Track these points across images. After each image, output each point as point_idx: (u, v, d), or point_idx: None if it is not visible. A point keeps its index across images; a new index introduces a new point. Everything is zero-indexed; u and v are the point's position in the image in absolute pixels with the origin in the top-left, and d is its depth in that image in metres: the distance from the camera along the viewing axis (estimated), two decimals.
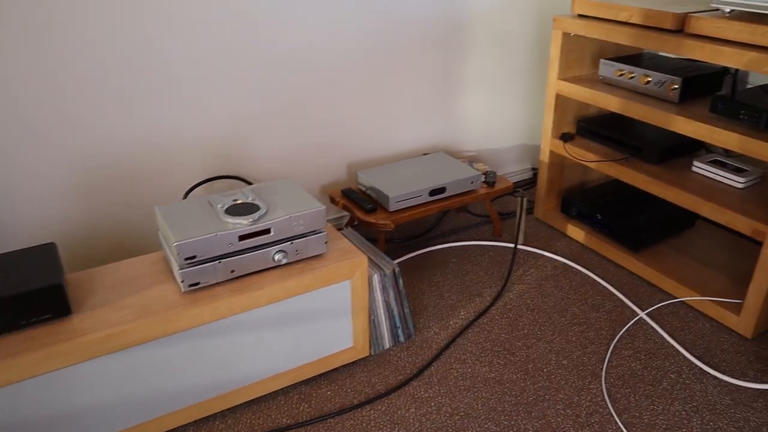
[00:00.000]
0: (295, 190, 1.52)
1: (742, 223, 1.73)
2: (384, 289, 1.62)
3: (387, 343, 1.71)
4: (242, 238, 1.35)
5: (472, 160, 2.37)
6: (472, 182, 2.09)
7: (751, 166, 1.95)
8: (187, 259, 1.31)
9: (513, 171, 2.73)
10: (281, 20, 1.92)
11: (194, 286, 1.35)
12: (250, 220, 1.36)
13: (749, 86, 2.11)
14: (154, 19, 1.72)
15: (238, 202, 1.44)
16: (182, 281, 1.33)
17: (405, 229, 2.35)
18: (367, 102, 2.20)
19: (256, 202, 1.43)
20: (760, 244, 2.17)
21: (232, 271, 1.38)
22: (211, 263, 1.34)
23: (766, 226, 1.67)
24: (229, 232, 1.34)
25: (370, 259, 1.66)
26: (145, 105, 1.81)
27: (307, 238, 1.44)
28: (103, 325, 1.27)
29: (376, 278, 1.60)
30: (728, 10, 1.72)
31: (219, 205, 1.42)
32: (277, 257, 1.41)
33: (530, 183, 2.75)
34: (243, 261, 1.38)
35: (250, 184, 2.06)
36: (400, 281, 1.64)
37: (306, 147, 2.15)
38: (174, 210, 1.43)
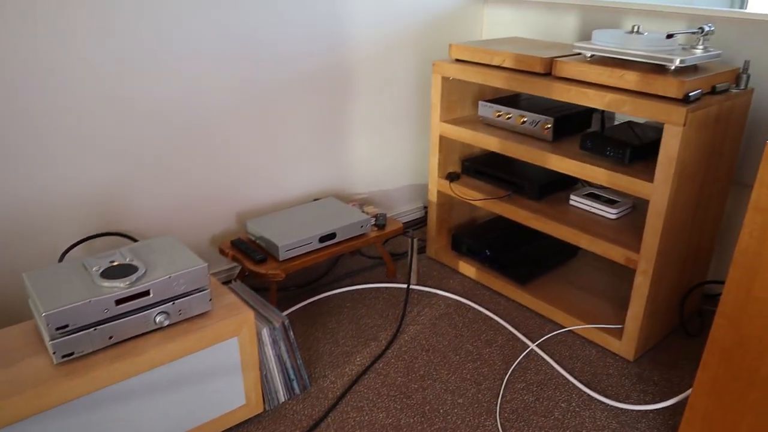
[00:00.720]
0: (176, 247, 1.47)
1: (616, 253, 1.83)
2: (274, 342, 1.59)
3: (282, 396, 1.67)
4: (119, 302, 1.29)
5: (362, 203, 2.38)
6: (361, 226, 2.10)
7: (622, 197, 2.08)
8: (58, 328, 1.23)
9: (405, 210, 2.77)
10: (158, 70, 1.88)
11: (68, 357, 1.27)
12: (127, 282, 1.30)
13: (617, 122, 2.25)
14: (23, 71, 1.64)
15: (115, 263, 1.37)
16: (54, 352, 1.25)
17: (299, 276, 2.33)
18: (253, 150, 2.18)
19: (134, 262, 1.38)
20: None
21: (110, 337, 1.31)
22: (86, 331, 1.27)
23: (638, 255, 1.78)
24: (104, 297, 1.27)
25: (258, 313, 1.63)
26: (11, 162, 1.71)
27: (190, 297, 1.39)
28: None
29: (265, 332, 1.56)
30: (589, 55, 1.83)
31: (94, 268, 1.36)
32: (158, 319, 1.35)
33: (422, 221, 2.80)
34: (121, 326, 1.31)
35: (134, 240, 1.98)
36: (291, 333, 1.62)
37: (192, 198, 2.09)
38: (44, 275, 1.35)
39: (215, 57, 1.99)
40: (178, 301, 1.38)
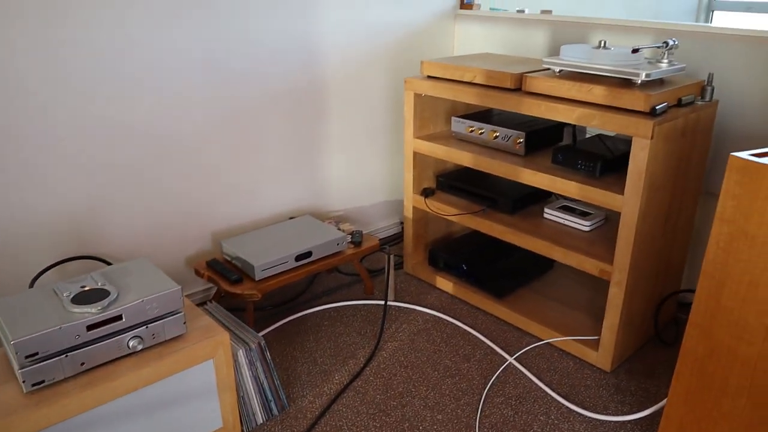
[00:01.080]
0: (149, 270, 1.46)
1: (590, 265, 1.85)
2: (251, 363, 1.58)
3: (260, 418, 1.65)
4: (91, 327, 1.27)
5: (339, 220, 2.38)
6: (338, 244, 2.10)
7: (595, 209, 2.10)
8: (27, 356, 1.22)
9: (381, 227, 2.78)
10: (130, 89, 1.87)
11: (38, 385, 1.25)
12: (99, 307, 1.29)
13: (588, 135, 2.28)
14: None
15: (86, 288, 1.36)
16: (24, 381, 1.23)
17: (276, 295, 2.32)
18: (228, 169, 2.17)
19: (106, 287, 1.36)
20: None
21: (82, 364, 1.29)
22: (57, 358, 1.25)
23: (611, 266, 1.79)
24: (75, 323, 1.25)
25: (234, 334, 1.62)
26: None
27: (164, 320, 1.38)
28: None
29: (241, 354, 1.55)
30: (558, 70, 1.86)
31: (65, 294, 1.34)
32: (131, 344, 1.34)
33: (399, 237, 2.81)
34: (93, 352, 1.29)
35: (108, 263, 1.96)
36: (267, 353, 1.61)
37: (167, 219, 2.08)
38: (14, 302, 1.33)
39: (189, 76, 1.98)
40: (152, 324, 1.36)
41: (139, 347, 1.35)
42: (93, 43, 1.77)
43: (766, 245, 1.16)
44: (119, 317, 1.31)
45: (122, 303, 1.32)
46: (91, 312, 1.28)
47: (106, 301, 1.31)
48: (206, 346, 1.43)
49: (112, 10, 1.77)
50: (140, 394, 1.36)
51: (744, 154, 1.17)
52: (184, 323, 1.42)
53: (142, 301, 1.33)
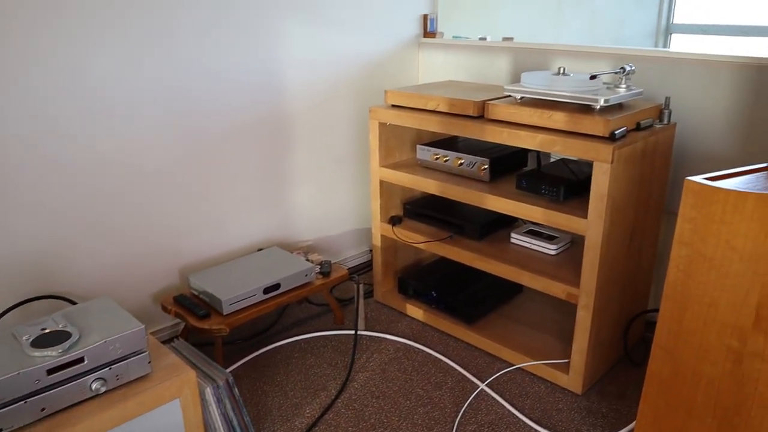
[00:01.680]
0: (112, 310, 1.43)
1: (557, 289, 1.86)
2: (219, 401, 1.55)
3: None
4: (52, 371, 1.24)
5: (307, 251, 2.37)
6: (306, 275, 2.09)
7: (561, 232, 2.12)
8: None
9: (351, 255, 2.77)
10: (91, 124, 1.86)
11: None
12: (60, 350, 1.26)
13: (553, 159, 2.32)
14: None
15: (47, 330, 1.33)
16: None
17: (246, 328, 2.29)
18: (194, 202, 2.16)
19: (68, 328, 1.33)
20: None
21: (43, 409, 1.26)
22: (16, 405, 1.22)
23: (578, 289, 1.81)
24: (35, 368, 1.22)
25: (201, 372, 1.59)
26: None
27: (128, 360, 1.35)
28: None
29: (209, 391, 1.53)
30: (519, 97, 1.89)
31: (24, 337, 1.31)
32: (94, 386, 1.31)
33: (369, 265, 2.80)
34: (54, 396, 1.26)
35: (72, 302, 1.92)
36: (236, 390, 1.58)
37: (132, 254, 2.05)
38: None
39: (153, 110, 1.97)
40: (115, 366, 1.34)
41: (103, 389, 1.32)
42: (55, 79, 1.75)
43: (723, 267, 1.18)
44: (81, 359, 1.28)
45: (84, 344, 1.30)
46: (52, 355, 1.25)
47: (67, 344, 1.28)
48: (172, 386, 1.40)
49: (72, 44, 1.76)
50: None
51: (698, 178, 1.20)
52: (149, 363, 1.39)
53: (105, 341, 1.31)
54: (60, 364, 1.25)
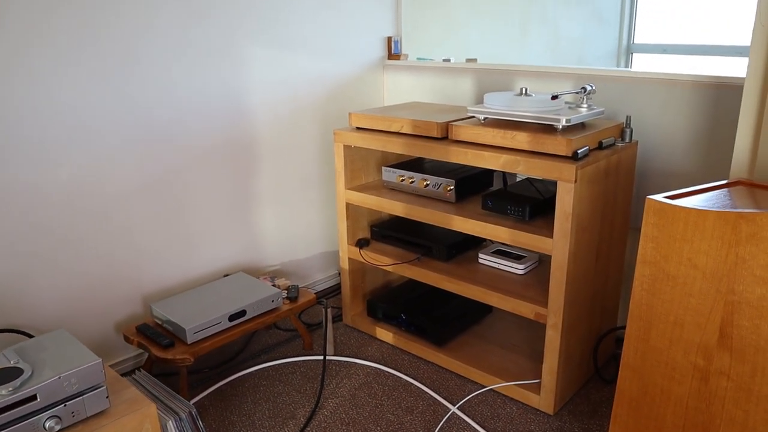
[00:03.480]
0: (67, 343, 1.39)
1: (526, 309, 1.85)
2: None
3: None
4: (2, 411, 1.19)
5: (274, 275, 2.34)
6: (273, 300, 2.05)
7: (529, 252, 2.12)
8: None
9: (319, 279, 2.74)
10: (43, 150, 1.81)
11: None
12: (10, 388, 1.21)
13: (519, 179, 2.32)
14: None
15: None
16: None
17: (213, 357, 2.24)
18: (155, 229, 2.11)
19: (20, 364, 1.28)
20: None
21: None
22: None
23: (546, 309, 1.80)
24: None
25: (163, 404, 1.55)
26: None
27: (84, 396, 1.30)
28: None
29: (171, 425, 1.48)
30: (482, 118, 1.89)
31: None
32: (48, 425, 1.26)
33: (338, 289, 2.77)
34: None
35: (29, 335, 1.86)
36: (200, 422, 1.54)
37: (93, 283, 2.00)
38: None
39: (113, 133, 1.93)
40: (71, 402, 1.29)
41: (57, 428, 1.27)
42: (10, 101, 1.71)
43: (686, 285, 1.18)
44: (33, 397, 1.23)
45: (37, 381, 1.25)
46: (2, 394, 1.20)
47: (18, 381, 1.23)
48: (131, 420, 1.36)
49: (30, 65, 1.72)
50: None
51: (659, 197, 1.20)
52: (107, 397, 1.35)
53: (59, 377, 1.26)
54: (11, 402, 1.20)
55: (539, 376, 1.99)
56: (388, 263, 2.18)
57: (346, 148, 2.21)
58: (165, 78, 2.02)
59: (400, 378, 2.08)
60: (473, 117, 2.00)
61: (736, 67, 3.83)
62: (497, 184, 2.26)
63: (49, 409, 1.26)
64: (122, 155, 1.97)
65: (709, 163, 1.93)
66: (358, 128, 2.19)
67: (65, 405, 1.28)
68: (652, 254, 1.21)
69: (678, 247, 1.17)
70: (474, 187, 2.13)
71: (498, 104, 1.86)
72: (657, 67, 4.19)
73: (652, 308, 1.24)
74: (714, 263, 1.14)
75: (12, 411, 1.21)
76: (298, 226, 2.58)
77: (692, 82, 1.90)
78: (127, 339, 1.96)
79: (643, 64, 4.33)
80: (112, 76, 1.90)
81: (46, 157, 1.81)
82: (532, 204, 1.86)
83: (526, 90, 1.88)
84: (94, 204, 1.94)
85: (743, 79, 1.82)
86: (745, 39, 3.85)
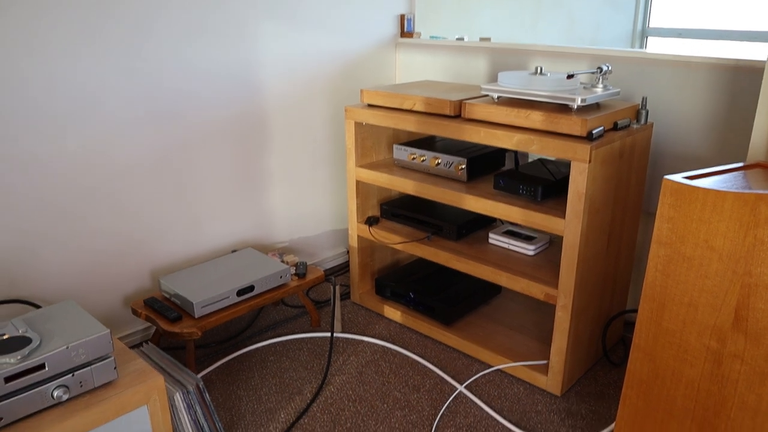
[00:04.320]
0: (76, 314, 1.38)
1: (535, 289, 1.84)
2: (189, 407, 1.51)
3: None
4: (10, 379, 1.19)
5: (283, 252, 2.33)
6: (281, 277, 2.05)
7: (539, 233, 2.10)
8: None
9: (328, 257, 2.73)
10: (56, 123, 1.80)
11: None
12: (18, 357, 1.21)
13: (530, 160, 2.30)
14: None
15: (6, 336, 1.27)
16: None
17: (220, 331, 2.24)
18: (166, 203, 2.10)
19: (28, 334, 1.28)
20: None
21: (0, 419, 1.20)
22: None
23: (557, 290, 1.79)
24: None
25: (170, 377, 1.55)
26: None
27: (92, 366, 1.30)
28: None
29: (178, 397, 1.48)
30: (496, 97, 1.87)
31: None
32: (56, 394, 1.26)
33: (346, 267, 2.77)
34: (13, 405, 1.21)
35: (37, 306, 1.86)
36: (207, 395, 1.54)
37: (102, 257, 1.99)
38: None
39: (120, 109, 1.92)
40: (78, 372, 1.29)
41: (65, 397, 1.27)
42: (21, 73, 1.69)
43: (702, 267, 1.16)
44: (42, 366, 1.23)
45: (45, 351, 1.24)
46: (10, 363, 1.20)
47: (26, 350, 1.23)
48: (139, 392, 1.36)
49: (43, 38, 1.70)
50: None
51: (677, 177, 1.18)
52: (115, 368, 1.35)
53: (67, 347, 1.26)
54: (19, 371, 1.20)
55: (547, 358, 1.98)
56: (398, 241, 2.17)
57: (357, 125, 2.18)
58: (176, 54, 2.00)
59: (408, 356, 2.08)
60: (487, 96, 1.98)
61: (752, 53, 3.77)
62: (509, 165, 2.23)
63: (57, 379, 1.26)
64: (132, 130, 1.96)
65: (725, 147, 1.90)
66: (369, 105, 2.16)
67: (73, 375, 1.28)
68: (667, 235, 1.20)
69: (695, 228, 1.16)
70: (486, 166, 2.10)
71: (512, 83, 1.84)
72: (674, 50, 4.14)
73: (666, 290, 1.22)
74: (731, 245, 1.12)
75: (20, 379, 1.21)
76: (307, 203, 2.57)
77: (710, 64, 1.87)
78: (135, 312, 1.96)
79: (658, 48, 4.27)
80: (124, 51, 1.88)
81: (56, 130, 1.80)
82: (544, 184, 1.84)
83: (541, 69, 1.85)
84: (103, 178, 1.94)
85: (763, 61, 1.78)
86: (762, 24, 3.78)
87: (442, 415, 1.80)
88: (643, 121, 1.84)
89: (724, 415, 1.21)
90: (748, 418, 1.17)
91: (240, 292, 1.95)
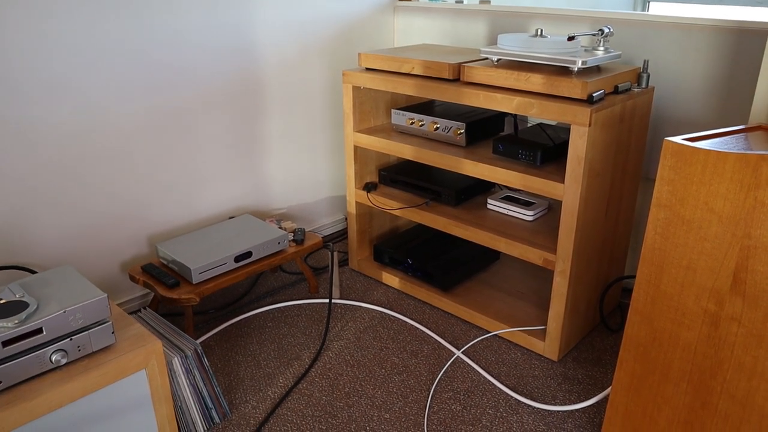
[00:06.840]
0: (73, 279, 1.38)
1: (533, 255, 1.83)
2: (188, 371, 1.51)
3: (200, 427, 1.59)
4: (7, 343, 1.19)
5: (280, 219, 2.32)
6: (279, 243, 2.04)
7: (538, 198, 2.09)
8: None
9: (326, 223, 2.72)
10: (50, 88, 1.78)
11: None
12: (16, 321, 1.20)
13: (529, 125, 2.28)
14: None
15: (3, 301, 1.27)
16: None
17: (218, 297, 2.24)
18: (162, 169, 2.09)
19: (25, 298, 1.28)
20: None
21: (0, 383, 1.21)
22: None
23: (555, 255, 1.79)
24: None
25: (168, 342, 1.55)
26: None
27: (90, 331, 1.30)
28: None
29: (176, 362, 1.48)
30: (495, 59, 1.84)
31: None
32: (54, 358, 1.26)
33: (344, 233, 2.76)
34: (11, 369, 1.21)
35: (33, 272, 1.86)
36: (205, 360, 1.54)
37: (99, 223, 1.98)
38: None
39: (115, 73, 1.89)
40: (76, 336, 1.29)
41: (63, 361, 1.27)
42: (8, 41, 1.66)
43: (701, 229, 1.15)
44: (39, 330, 1.23)
45: (42, 315, 1.24)
46: (7, 326, 1.20)
47: (24, 314, 1.22)
48: (137, 356, 1.36)
49: (28, 5, 1.67)
50: (66, 411, 1.28)
51: (678, 139, 1.17)
52: (113, 333, 1.35)
53: (65, 312, 1.25)
54: (16, 335, 1.20)
55: (545, 323, 1.99)
56: (396, 207, 2.16)
57: (355, 89, 2.16)
58: (168, 15, 1.96)
59: (406, 322, 2.09)
60: (486, 59, 1.95)
61: (755, 17, 3.71)
62: (508, 130, 2.21)
63: (55, 343, 1.26)
64: (130, 94, 1.94)
65: (727, 111, 1.88)
66: (367, 69, 2.14)
67: (71, 339, 1.28)
68: (667, 197, 1.19)
69: (695, 190, 1.14)
70: (485, 131, 2.08)
71: (512, 45, 1.81)
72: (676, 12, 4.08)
73: (665, 253, 1.22)
74: (731, 207, 1.11)
75: (18, 343, 1.20)
76: (305, 169, 2.55)
77: (713, 27, 1.84)
78: (132, 278, 1.96)
79: (660, 11, 4.21)
80: (113, 14, 1.84)
81: (53, 94, 1.77)
82: (543, 149, 1.83)
83: (541, 31, 1.82)
84: (100, 142, 1.91)
85: (767, 23, 1.75)
86: None
87: (439, 380, 1.81)
88: (644, 84, 1.82)
89: (720, 377, 1.21)
90: (744, 379, 1.18)
91: (238, 258, 1.95)
